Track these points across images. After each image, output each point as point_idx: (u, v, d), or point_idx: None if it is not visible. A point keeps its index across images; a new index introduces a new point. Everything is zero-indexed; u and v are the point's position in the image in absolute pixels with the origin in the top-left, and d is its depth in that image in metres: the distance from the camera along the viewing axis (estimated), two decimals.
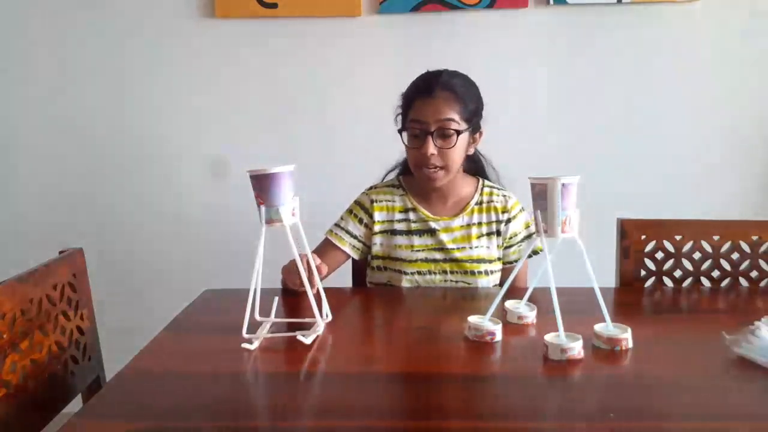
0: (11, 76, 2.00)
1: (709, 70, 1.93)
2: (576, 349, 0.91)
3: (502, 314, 1.08)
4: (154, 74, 1.99)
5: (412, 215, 1.40)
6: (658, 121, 1.96)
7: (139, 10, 1.95)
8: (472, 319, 1.02)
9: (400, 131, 1.35)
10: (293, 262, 1.20)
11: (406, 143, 1.34)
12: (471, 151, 1.38)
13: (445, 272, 1.38)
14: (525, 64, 1.94)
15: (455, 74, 1.34)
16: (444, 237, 1.38)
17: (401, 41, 1.94)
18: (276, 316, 1.12)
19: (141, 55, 1.98)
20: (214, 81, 1.99)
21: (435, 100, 1.29)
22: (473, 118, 1.33)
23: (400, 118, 1.37)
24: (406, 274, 1.38)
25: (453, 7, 1.90)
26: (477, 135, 1.38)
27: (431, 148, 1.28)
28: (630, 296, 1.32)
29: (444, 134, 1.29)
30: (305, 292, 1.03)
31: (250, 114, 2.01)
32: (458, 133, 1.29)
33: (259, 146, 2.00)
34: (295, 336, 0.99)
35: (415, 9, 1.90)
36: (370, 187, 1.47)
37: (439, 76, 1.32)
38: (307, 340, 0.99)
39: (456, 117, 1.29)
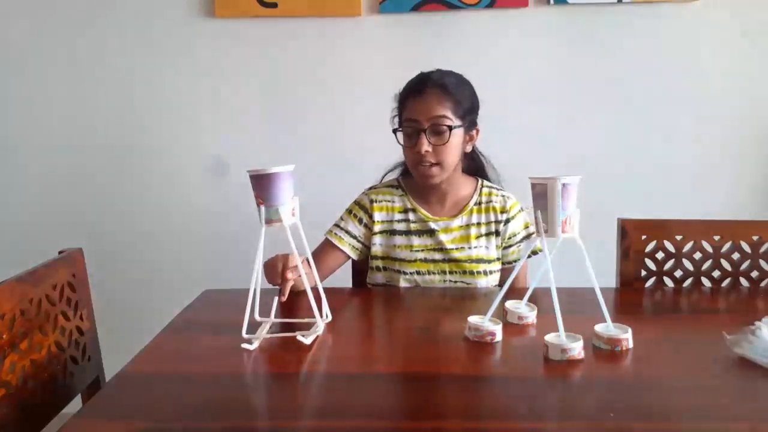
0: (11, 77, 2.00)
1: (709, 70, 1.93)
2: (576, 349, 0.91)
3: (502, 314, 1.08)
4: (154, 74, 1.99)
5: (411, 216, 1.41)
6: (658, 121, 1.96)
7: (138, 9, 1.95)
8: (472, 319, 1.02)
9: (395, 131, 1.36)
10: (272, 259, 1.21)
11: (401, 143, 1.35)
12: (468, 149, 1.38)
13: (444, 272, 1.38)
14: (525, 63, 1.94)
15: (447, 73, 1.34)
16: (443, 237, 1.38)
17: (401, 41, 1.94)
18: (276, 317, 1.12)
19: (140, 54, 1.98)
20: (213, 81, 1.99)
21: (426, 98, 1.30)
22: (467, 116, 1.33)
23: (396, 120, 1.38)
24: (405, 274, 1.38)
25: (453, 7, 1.89)
26: (473, 133, 1.38)
27: (425, 145, 1.29)
28: (630, 296, 1.32)
29: (437, 131, 1.29)
30: (305, 292, 1.03)
31: (250, 114, 2.00)
32: (451, 128, 1.29)
33: (259, 146, 2.00)
34: (295, 336, 0.99)
35: (415, 9, 1.90)
36: (370, 188, 1.47)
37: (431, 74, 1.33)
38: (307, 341, 0.99)
39: (448, 113, 1.29)
